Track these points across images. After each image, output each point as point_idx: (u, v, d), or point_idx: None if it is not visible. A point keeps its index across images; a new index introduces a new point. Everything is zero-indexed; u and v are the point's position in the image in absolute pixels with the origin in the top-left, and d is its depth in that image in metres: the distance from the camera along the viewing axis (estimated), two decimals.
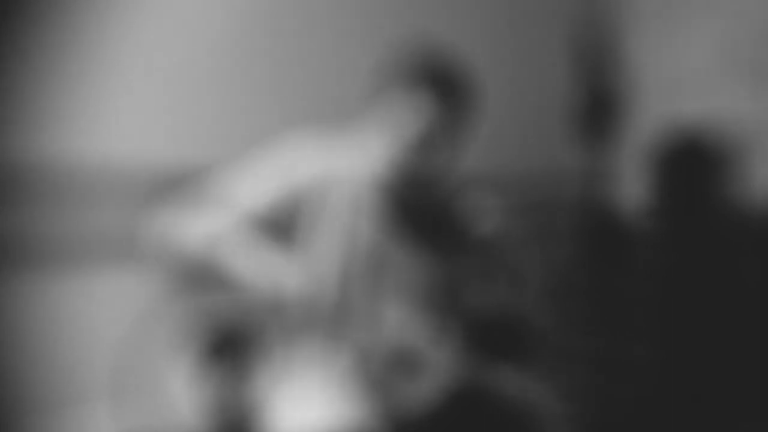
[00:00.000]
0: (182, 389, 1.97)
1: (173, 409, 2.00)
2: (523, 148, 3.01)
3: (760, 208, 2.64)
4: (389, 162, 1.28)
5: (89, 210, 1.93)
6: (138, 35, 2.04)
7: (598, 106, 3.17)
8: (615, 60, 3.19)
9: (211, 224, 1.26)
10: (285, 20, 2.35)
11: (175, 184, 2.05)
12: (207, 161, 2.11)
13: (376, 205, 1.29)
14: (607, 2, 3.24)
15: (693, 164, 2.77)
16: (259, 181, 1.29)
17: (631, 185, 3.07)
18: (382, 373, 1.24)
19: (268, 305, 1.23)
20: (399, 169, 1.28)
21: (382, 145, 1.29)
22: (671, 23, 3.05)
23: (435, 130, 1.27)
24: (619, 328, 2.74)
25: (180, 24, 2.13)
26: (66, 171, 1.89)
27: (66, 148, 1.91)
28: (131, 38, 2.03)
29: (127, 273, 2.00)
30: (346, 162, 1.31)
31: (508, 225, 1.40)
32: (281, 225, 1.27)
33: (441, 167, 1.31)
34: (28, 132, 1.86)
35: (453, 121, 1.29)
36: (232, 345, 1.35)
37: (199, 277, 1.27)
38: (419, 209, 1.34)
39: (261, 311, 1.30)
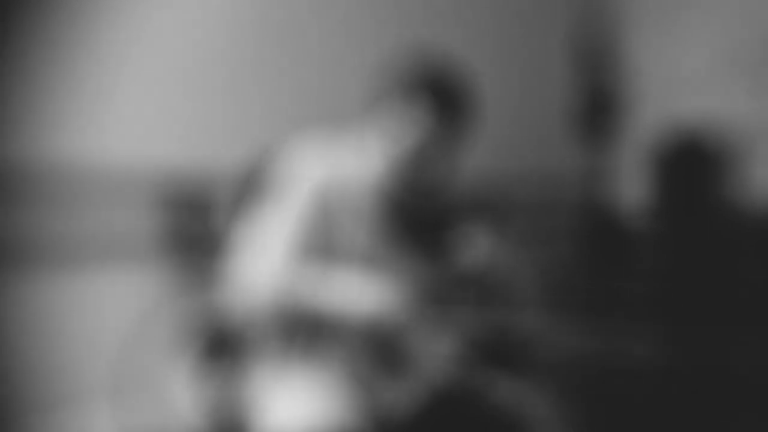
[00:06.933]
0: (182, 389, 1.97)
1: (173, 409, 2.00)
2: (523, 148, 3.01)
3: (759, 208, 2.65)
4: (388, 171, 1.29)
5: (89, 210, 1.93)
6: (139, 37, 2.04)
7: (598, 107, 3.18)
8: (614, 60, 3.20)
9: (269, 268, 1.21)
10: (288, 24, 2.35)
11: (176, 186, 2.05)
12: (205, 162, 2.11)
13: (374, 213, 1.29)
14: (606, 3, 3.24)
15: (692, 164, 2.78)
16: (285, 211, 1.26)
17: (631, 185, 3.08)
18: (370, 372, 1.24)
19: (371, 326, 1.20)
20: (397, 179, 1.29)
21: (382, 154, 1.30)
22: (670, 24, 3.06)
23: (433, 140, 1.28)
24: (618, 328, 2.74)
25: (180, 26, 2.13)
26: (66, 171, 1.89)
27: (66, 149, 1.91)
28: (132, 39, 2.03)
29: (127, 273, 2.00)
30: (346, 169, 1.31)
31: (502, 253, 1.40)
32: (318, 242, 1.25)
33: (439, 176, 1.32)
34: (29, 132, 1.86)
35: (452, 131, 1.30)
36: (229, 345, 1.35)
37: (296, 324, 1.24)
38: (417, 218, 1.35)
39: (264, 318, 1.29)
